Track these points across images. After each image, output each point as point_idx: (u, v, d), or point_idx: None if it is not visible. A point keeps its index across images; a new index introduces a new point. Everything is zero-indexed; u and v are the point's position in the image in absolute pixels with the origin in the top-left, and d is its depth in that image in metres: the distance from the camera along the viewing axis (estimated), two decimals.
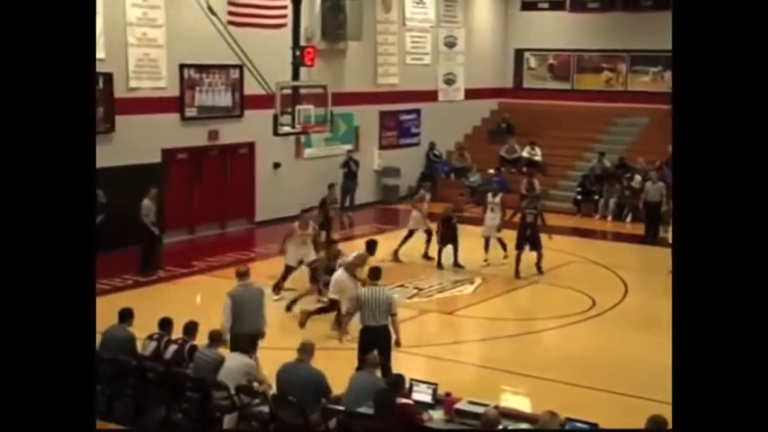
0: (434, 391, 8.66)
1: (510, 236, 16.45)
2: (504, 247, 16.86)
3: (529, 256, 16.08)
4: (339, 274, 12.30)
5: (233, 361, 9.02)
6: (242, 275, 10.46)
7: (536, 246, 15.97)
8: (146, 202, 15.59)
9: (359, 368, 9.67)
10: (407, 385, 8.56)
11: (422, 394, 8.60)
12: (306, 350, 8.78)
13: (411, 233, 17.11)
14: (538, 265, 16.02)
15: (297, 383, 8.51)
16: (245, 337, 9.45)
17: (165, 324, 9.84)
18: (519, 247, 15.96)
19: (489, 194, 17.52)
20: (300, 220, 14.52)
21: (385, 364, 9.85)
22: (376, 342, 10.06)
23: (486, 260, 16.85)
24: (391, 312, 10.21)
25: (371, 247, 13.54)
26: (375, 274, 10.77)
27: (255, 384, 8.90)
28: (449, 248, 16.49)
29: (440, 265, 16.52)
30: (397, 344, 10.39)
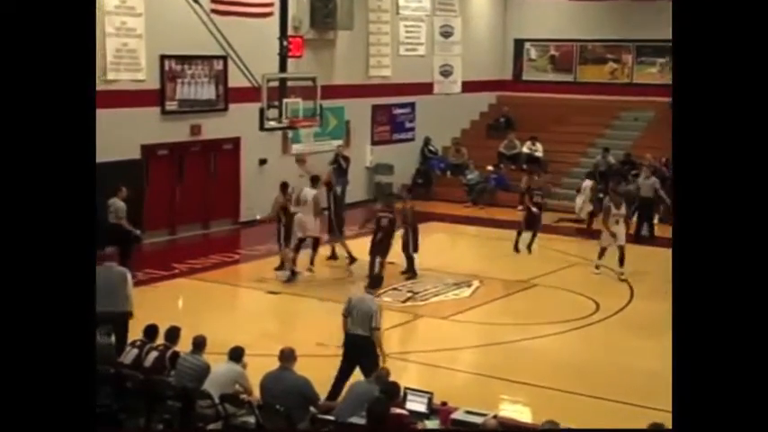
0: (430, 400, 8.69)
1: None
2: (622, 261, 16.42)
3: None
4: None
5: (221, 368, 9.07)
6: (106, 257, 11.46)
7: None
8: (120, 203, 15.35)
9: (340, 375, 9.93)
10: (401, 394, 8.59)
11: (416, 403, 8.62)
12: (287, 357, 8.83)
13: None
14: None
15: (282, 392, 8.56)
16: (105, 316, 9.88)
17: (151, 331, 9.86)
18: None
19: (612, 206, 16.75)
20: None
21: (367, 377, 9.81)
22: (354, 351, 10.07)
23: (597, 267, 16.72)
24: (372, 326, 10.06)
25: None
26: (374, 282, 10.95)
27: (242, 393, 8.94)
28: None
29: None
30: (381, 361, 10.14)
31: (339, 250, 16.83)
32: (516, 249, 17.99)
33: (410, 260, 16.05)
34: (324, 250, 16.87)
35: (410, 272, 16.02)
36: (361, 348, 10.06)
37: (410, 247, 15.99)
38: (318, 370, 9.98)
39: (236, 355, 9.21)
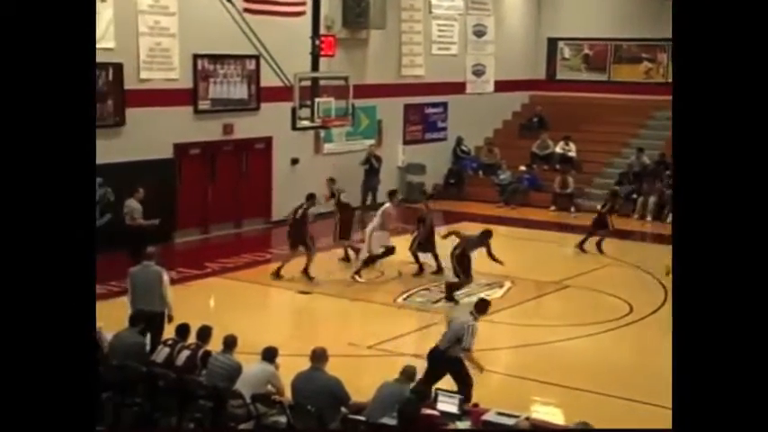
0: (461, 401, 8.68)
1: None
2: None
3: None
4: None
5: (254, 368, 9.11)
6: (147, 256, 11.40)
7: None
8: (135, 205, 15.16)
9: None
10: (433, 395, 8.59)
11: (448, 405, 8.61)
12: (318, 357, 8.84)
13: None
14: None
15: (313, 392, 8.58)
16: (142, 315, 10.37)
17: (182, 330, 9.92)
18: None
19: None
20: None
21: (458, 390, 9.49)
22: (431, 362, 9.93)
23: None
24: (462, 346, 9.85)
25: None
26: (479, 307, 10.48)
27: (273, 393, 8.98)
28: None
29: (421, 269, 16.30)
30: (478, 372, 10.01)
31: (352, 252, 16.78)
32: (581, 248, 18.12)
33: (416, 257, 16.22)
34: (339, 251, 16.93)
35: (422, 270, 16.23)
36: (437, 362, 9.93)
37: (416, 246, 16.14)
38: (350, 370, 10.01)
39: (270, 355, 9.24)
